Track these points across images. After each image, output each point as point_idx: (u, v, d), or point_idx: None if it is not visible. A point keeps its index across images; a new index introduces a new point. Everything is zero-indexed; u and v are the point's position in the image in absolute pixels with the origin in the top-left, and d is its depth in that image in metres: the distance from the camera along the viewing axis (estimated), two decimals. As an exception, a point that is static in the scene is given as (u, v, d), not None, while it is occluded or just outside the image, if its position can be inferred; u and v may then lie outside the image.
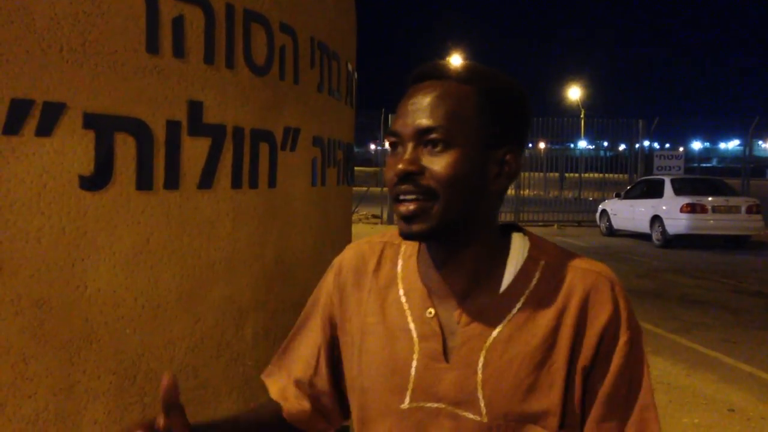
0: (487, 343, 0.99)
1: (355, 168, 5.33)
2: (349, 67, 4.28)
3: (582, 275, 1.01)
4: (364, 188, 18.96)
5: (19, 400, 2.05)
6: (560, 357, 0.98)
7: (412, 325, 1.03)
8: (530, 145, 21.69)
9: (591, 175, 22.19)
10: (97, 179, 2.22)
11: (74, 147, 2.15)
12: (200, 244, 2.65)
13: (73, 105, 2.14)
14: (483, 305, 1.01)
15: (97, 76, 2.22)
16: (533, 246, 1.06)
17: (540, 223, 18.82)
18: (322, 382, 1.16)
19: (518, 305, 1.00)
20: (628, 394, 1.00)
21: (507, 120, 1.01)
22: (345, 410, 1.20)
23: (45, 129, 2.08)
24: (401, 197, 0.96)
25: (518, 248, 1.05)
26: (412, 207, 0.95)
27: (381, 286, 1.09)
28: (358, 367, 1.08)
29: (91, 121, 2.19)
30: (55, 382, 2.14)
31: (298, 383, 1.17)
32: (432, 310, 1.02)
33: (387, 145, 1.02)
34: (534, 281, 1.02)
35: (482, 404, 0.97)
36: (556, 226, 18.51)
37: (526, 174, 20.83)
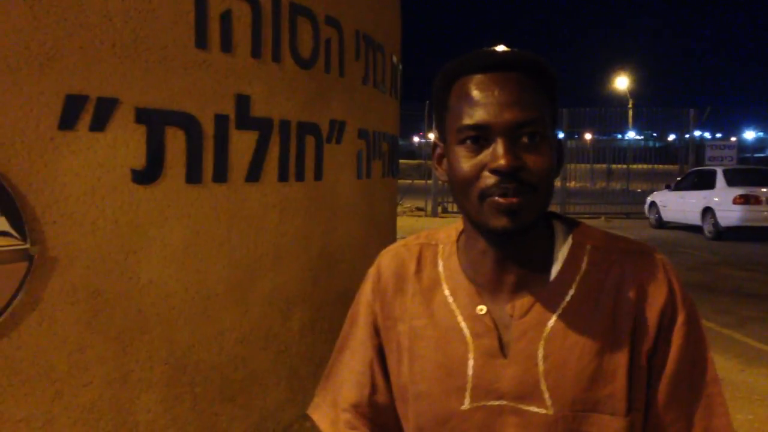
0: (545, 334, 0.97)
1: (400, 160, 5.33)
2: (394, 59, 4.27)
3: (632, 257, 1.01)
4: (409, 181, 18.95)
5: (75, 388, 2.10)
6: (621, 340, 0.96)
7: (463, 324, 1.01)
8: (576, 136, 21.38)
9: (639, 166, 21.74)
10: (149, 173, 2.25)
11: (127, 141, 2.19)
12: (248, 236, 2.68)
13: (125, 100, 2.18)
14: (535, 296, 0.99)
15: (148, 71, 2.25)
16: (577, 231, 1.05)
17: (587, 216, 18.53)
18: (383, 397, 1.12)
19: (571, 292, 0.99)
20: (692, 372, 0.98)
21: (556, 107, 1.01)
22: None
23: (99, 124, 2.12)
24: (504, 193, 0.93)
25: (562, 235, 1.04)
26: (516, 201, 0.92)
27: (424, 288, 1.07)
28: (410, 373, 1.05)
29: (142, 115, 2.23)
30: (110, 371, 2.19)
31: (355, 408, 1.13)
32: (483, 307, 1.01)
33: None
34: (584, 266, 1.01)
35: (547, 396, 0.95)
36: (603, 219, 18.20)
37: (572, 165, 20.52)
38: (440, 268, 1.08)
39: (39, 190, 2.00)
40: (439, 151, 1.03)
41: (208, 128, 2.44)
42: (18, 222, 1.92)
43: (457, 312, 1.03)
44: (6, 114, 1.92)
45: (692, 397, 0.99)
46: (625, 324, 0.98)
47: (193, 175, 2.39)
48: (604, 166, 22.21)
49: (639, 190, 20.94)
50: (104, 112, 2.13)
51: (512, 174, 0.92)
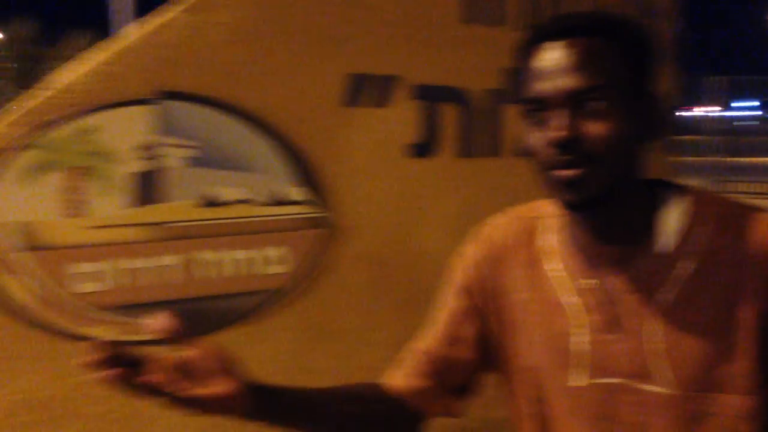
0: (662, 309, 0.90)
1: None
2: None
3: (766, 224, 0.90)
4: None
5: (364, 347, 2.24)
6: (748, 316, 0.87)
7: (573, 299, 0.98)
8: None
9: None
10: (425, 147, 2.35)
11: (405, 117, 2.31)
12: (515, 211, 2.68)
13: (403, 77, 2.29)
14: (647, 269, 0.93)
15: (422, 48, 2.35)
16: (697, 200, 0.95)
17: (761, 196, 15.47)
18: (463, 352, 1.10)
19: (691, 265, 0.91)
20: None
21: (646, 68, 0.94)
22: (468, 394, 1.14)
23: (380, 101, 2.26)
24: (563, 165, 0.90)
25: (677, 204, 0.95)
26: (574, 173, 0.89)
27: (532, 260, 1.05)
28: (526, 345, 1.03)
29: (418, 92, 2.33)
30: (390, 335, 2.30)
31: (422, 355, 1.15)
32: (592, 281, 0.97)
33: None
34: (705, 237, 0.92)
35: (665, 375, 0.89)
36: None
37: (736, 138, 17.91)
38: (551, 241, 1.05)
39: (330, 163, 2.17)
40: None
41: (478, 103, 2.48)
42: (317, 192, 2.11)
43: (567, 286, 1.00)
44: (304, 93, 2.13)
45: None
46: (755, 299, 0.88)
47: (465, 150, 2.44)
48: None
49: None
50: (385, 89, 2.26)
51: (568, 145, 0.88)
